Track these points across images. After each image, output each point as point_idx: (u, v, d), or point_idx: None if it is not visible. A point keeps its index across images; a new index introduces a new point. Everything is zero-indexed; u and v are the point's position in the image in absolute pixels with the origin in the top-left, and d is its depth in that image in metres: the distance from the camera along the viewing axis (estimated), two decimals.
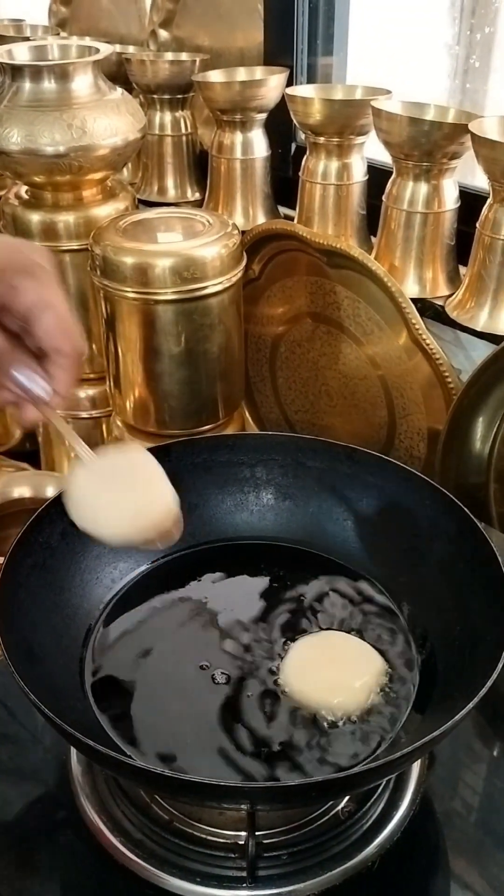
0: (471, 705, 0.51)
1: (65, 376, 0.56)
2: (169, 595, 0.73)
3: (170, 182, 1.17)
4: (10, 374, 0.55)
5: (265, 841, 0.61)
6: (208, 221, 0.91)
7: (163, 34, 1.24)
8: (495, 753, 0.71)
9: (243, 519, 0.77)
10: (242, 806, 0.55)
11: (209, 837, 0.61)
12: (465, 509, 0.65)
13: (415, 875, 0.62)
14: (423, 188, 0.88)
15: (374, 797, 0.63)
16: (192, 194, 1.18)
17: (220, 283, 0.87)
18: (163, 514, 0.60)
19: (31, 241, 0.92)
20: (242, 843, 0.60)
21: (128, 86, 1.10)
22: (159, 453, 0.66)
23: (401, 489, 0.72)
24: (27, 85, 0.90)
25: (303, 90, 0.98)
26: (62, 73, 0.90)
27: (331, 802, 0.62)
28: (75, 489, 0.60)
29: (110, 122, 0.92)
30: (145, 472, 0.62)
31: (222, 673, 0.66)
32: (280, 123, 1.09)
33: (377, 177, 0.97)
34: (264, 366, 1.12)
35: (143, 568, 0.74)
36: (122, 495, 0.61)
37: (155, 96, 1.14)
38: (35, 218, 0.97)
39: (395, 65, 1.12)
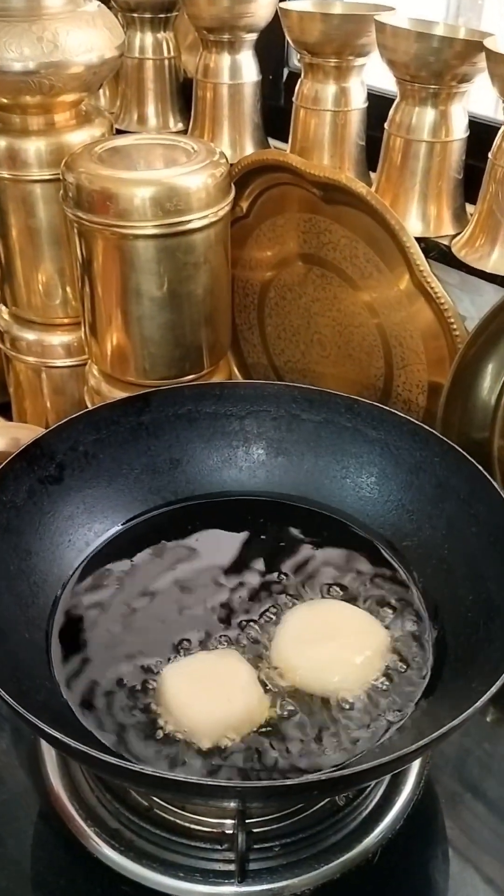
0: (490, 693, 0.45)
1: None
2: (148, 557, 0.66)
3: (150, 110, 1.08)
4: None
5: (255, 830, 0.55)
6: (193, 148, 0.83)
7: None
8: None
9: (231, 476, 0.71)
10: (232, 804, 0.49)
11: (193, 827, 0.56)
12: (480, 467, 0.59)
13: (419, 867, 0.57)
14: (430, 114, 0.80)
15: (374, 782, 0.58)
16: (174, 124, 1.09)
17: (205, 216, 0.79)
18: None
19: None
20: (230, 832, 0.54)
21: (105, 4, 1.01)
22: (137, 402, 0.60)
23: (406, 444, 0.66)
24: None
25: (298, 4, 0.89)
26: None
27: None
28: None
29: (85, 36, 0.83)
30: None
31: (206, 645, 0.59)
32: (272, 47, 1.00)
33: (378, 106, 0.89)
34: (252, 313, 1.05)
35: (119, 528, 0.68)
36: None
37: (135, 15, 1.04)
38: (2, 144, 0.88)
39: None
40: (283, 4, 0.88)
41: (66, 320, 0.98)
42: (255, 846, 0.55)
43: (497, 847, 0.59)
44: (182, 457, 0.70)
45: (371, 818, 0.57)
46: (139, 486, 0.69)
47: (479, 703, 0.45)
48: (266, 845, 0.55)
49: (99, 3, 0.88)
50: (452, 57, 0.76)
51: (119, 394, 0.85)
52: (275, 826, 0.56)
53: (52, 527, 0.64)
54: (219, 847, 0.55)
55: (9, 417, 1.12)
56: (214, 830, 0.56)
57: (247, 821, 0.54)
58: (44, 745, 0.60)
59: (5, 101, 0.86)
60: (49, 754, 0.60)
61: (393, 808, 0.57)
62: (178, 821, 0.56)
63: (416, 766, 0.59)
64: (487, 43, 0.73)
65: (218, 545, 0.67)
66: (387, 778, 0.59)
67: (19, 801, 0.60)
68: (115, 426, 0.69)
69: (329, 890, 0.54)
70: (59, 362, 1.01)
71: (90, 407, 0.80)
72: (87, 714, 0.55)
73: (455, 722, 0.45)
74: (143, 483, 0.70)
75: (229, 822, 0.55)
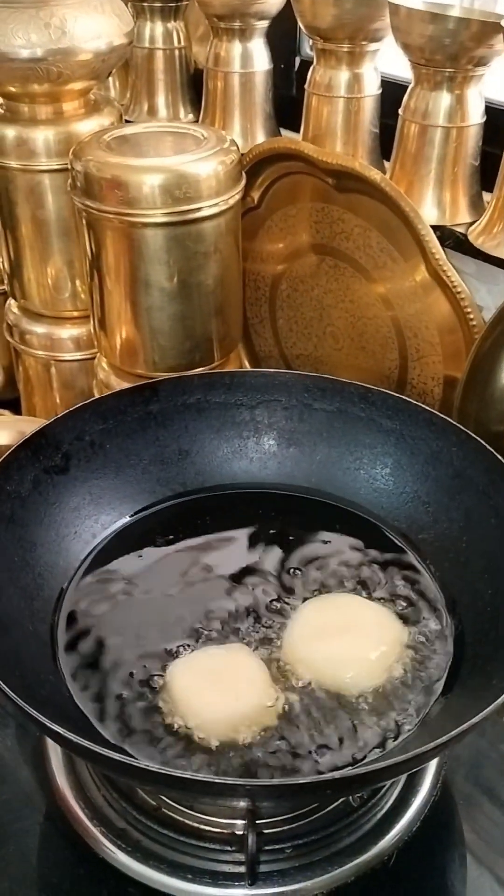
0: None
1: None
2: (156, 550, 0.65)
3: (161, 101, 1.07)
4: None
5: (266, 831, 0.53)
6: (203, 136, 0.81)
7: None
8: None
9: (242, 467, 0.69)
10: (242, 803, 0.47)
11: (203, 827, 0.54)
12: (500, 457, 0.57)
13: (436, 870, 0.55)
14: (446, 99, 0.78)
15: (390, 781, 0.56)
16: (185, 115, 1.07)
17: (215, 204, 0.78)
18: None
19: None
20: (241, 833, 0.52)
21: None
22: (145, 391, 0.58)
23: (422, 434, 0.64)
24: None
25: None
26: None
27: None
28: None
29: (93, 22, 0.82)
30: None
31: (213, 638, 0.58)
32: (283, 35, 0.99)
33: (391, 93, 0.88)
34: (263, 305, 1.03)
35: (126, 520, 0.66)
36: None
37: (145, 4, 1.03)
38: (10, 133, 0.87)
39: None
40: None
41: (75, 313, 0.97)
42: (266, 847, 0.53)
43: None
44: (191, 447, 0.69)
45: (387, 819, 0.55)
46: (147, 477, 0.68)
47: (498, 701, 0.43)
48: (277, 847, 0.53)
49: None
50: (468, 39, 0.74)
51: (128, 386, 0.83)
52: (287, 827, 0.54)
53: (57, 518, 0.62)
54: (228, 848, 0.53)
55: (19, 412, 1.11)
56: (224, 831, 0.54)
57: (257, 821, 0.52)
58: (49, 742, 0.59)
59: (13, 89, 0.84)
60: (54, 752, 0.59)
61: (409, 810, 0.55)
62: (186, 821, 0.54)
63: (432, 765, 0.57)
64: None
65: (228, 538, 0.66)
66: (403, 778, 0.57)
67: (24, 799, 0.59)
68: (122, 416, 0.68)
69: (343, 893, 0.52)
70: (68, 356, 0.99)
71: None
72: (93, 709, 0.53)
73: (474, 720, 0.43)
74: (151, 474, 0.68)
75: (239, 822, 0.53)
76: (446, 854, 0.56)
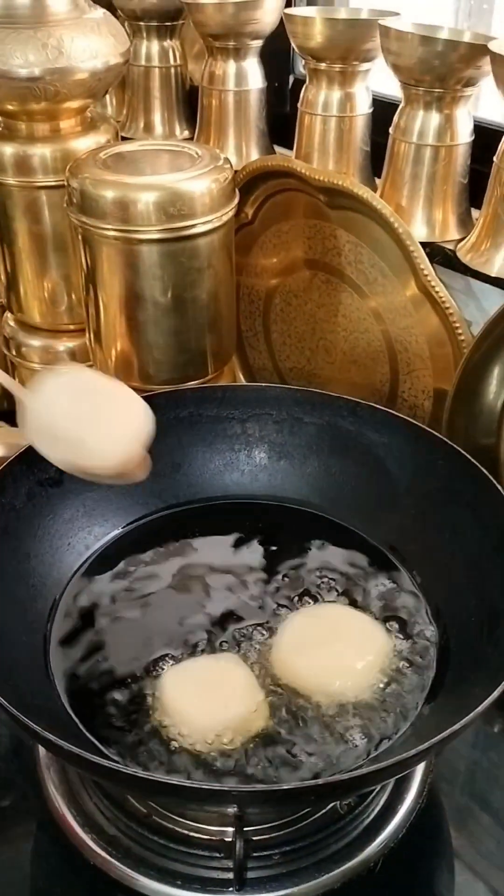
0: (491, 698, 0.44)
1: None
2: (148, 561, 0.65)
3: (156, 118, 1.08)
4: None
5: (254, 838, 0.54)
6: (197, 154, 0.83)
7: None
8: None
9: (233, 479, 0.71)
10: (230, 809, 0.48)
11: (192, 834, 0.55)
12: (485, 471, 0.59)
13: (422, 877, 0.55)
14: (435, 118, 0.80)
15: (377, 789, 0.57)
16: (180, 132, 1.09)
17: (209, 221, 0.79)
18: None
19: None
20: (229, 840, 0.53)
21: (112, 13, 1.01)
22: None
23: (410, 448, 0.65)
24: None
25: (302, 10, 0.89)
26: None
27: None
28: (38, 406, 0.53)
29: (90, 42, 0.83)
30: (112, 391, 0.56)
31: (205, 647, 0.59)
32: (277, 54, 1.00)
33: (382, 112, 0.89)
34: (257, 319, 1.04)
35: (118, 532, 0.67)
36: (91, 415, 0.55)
37: (141, 23, 1.04)
38: (8, 150, 0.88)
39: None
40: (288, 10, 0.89)
41: (71, 326, 0.98)
42: (254, 854, 0.53)
43: (503, 858, 0.58)
44: (183, 460, 0.70)
45: (373, 827, 0.56)
46: (140, 489, 0.69)
47: (480, 709, 0.44)
48: (265, 853, 0.54)
49: (104, 10, 0.89)
50: (457, 60, 0.75)
51: None
52: (274, 834, 0.55)
53: (51, 530, 0.63)
54: (217, 855, 0.54)
55: (15, 425, 1.12)
56: (213, 838, 0.55)
57: (246, 828, 0.53)
58: (42, 751, 0.60)
59: (11, 107, 0.86)
60: (48, 760, 0.60)
61: (395, 817, 0.56)
62: (176, 828, 0.55)
63: (418, 773, 0.58)
64: (492, 46, 0.72)
65: (218, 549, 0.67)
66: (389, 786, 0.57)
67: (18, 807, 0.60)
68: None
69: None
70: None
71: None
72: (85, 718, 0.54)
73: (455, 727, 0.44)
74: (145, 486, 0.69)
75: (228, 829, 0.54)
76: (432, 861, 0.57)
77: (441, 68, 0.76)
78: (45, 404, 0.55)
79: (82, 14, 0.85)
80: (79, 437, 0.54)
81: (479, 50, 0.74)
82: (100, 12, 0.87)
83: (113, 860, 0.54)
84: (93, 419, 0.55)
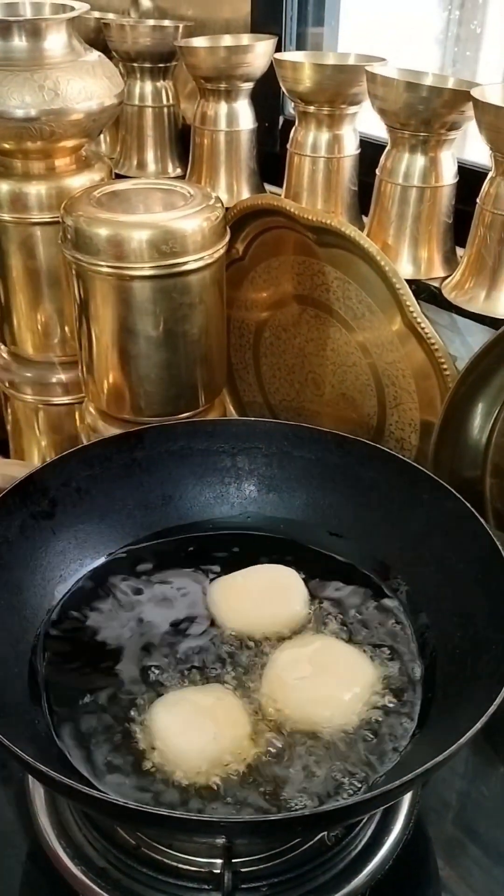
0: (473, 730, 0.45)
1: None
2: (135, 591, 0.66)
3: (150, 156, 1.10)
4: None
5: (243, 870, 0.55)
6: (189, 193, 0.85)
7: (144, 2, 1.17)
8: (499, 771, 0.65)
9: (223, 512, 0.72)
10: (218, 840, 0.49)
11: (180, 866, 0.55)
12: (468, 505, 0.60)
13: None
14: (420, 161, 0.82)
15: (364, 820, 0.57)
16: (173, 170, 1.11)
17: (201, 258, 0.81)
18: None
19: None
20: (217, 872, 0.54)
21: (107, 55, 1.03)
22: (131, 439, 0.60)
23: (395, 481, 0.66)
24: None
25: (292, 55, 0.91)
26: (33, 30, 0.83)
27: None
28: None
29: (85, 84, 0.85)
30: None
31: (194, 677, 0.59)
32: (267, 96, 1.02)
33: (369, 153, 0.91)
34: (247, 352, 1.06)
35: (107, 559, 0.68)
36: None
37: (135, 64, 1.07)
38: (4, 188, 0.90)
39: (388, 39, 1.07)
40: (277, 55, 0.91)
41: (63, 359, 0.99)
42: (243, 886, 0.54)
43: (490, 889, 0.58)
44: (174, 493, 0.71)
45: (360, 858, 0.56)
46: (131, 521, 0.70)
47: (464, 739, 0.45)
48: (253, 885, 0.54)
49: (99, 53, 0.91)
50: (441, 106, 0.78)
51: (115, 431, 0.86)
52: (262, 866, 0.55)
53: (43, 562, 0.64)
54: (206, 887, 0.54)
55: (6, 454, 1.13)
56: (202, 870, 0.55)
57: (234, 860, 0.53)
58: (32, 783, 0.60)
59: (7, 146, 0.88)
60: (37, 792, 0.60)
61: (382, 848, 0.57)
62: (165, 860, 0.55)
63: (405, 804, 0.59)
64: (474, 93, 0.75)
65: (207, 577, 0.68)
66: (376, 817, 0.58)
67: (7, 839, 0.60)
68: (108, 462, 0.70)
69: None
70: (56, 400, 1.02)
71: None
72: (74, 749, 0.55)
73: (440, 758, 0.44)
74: (136, 519, 0.70)
75: (217, 861, 0.54)
76: (420, 892, 0.58)
77: (426, 113, 0.79)
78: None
79: (78, 57, 0.87)
80: None
81: (462, 96, 0.77)
82: (95, 55, 0.90)
83: (103, 892, 0.54)
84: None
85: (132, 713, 0.58)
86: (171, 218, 0.80)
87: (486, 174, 0.78)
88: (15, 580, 0.61)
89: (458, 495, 0.61)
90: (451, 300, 0.82)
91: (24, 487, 0.64)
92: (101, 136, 1.18)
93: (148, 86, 1.08)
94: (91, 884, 0.54)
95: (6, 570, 0.61)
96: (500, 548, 0.57)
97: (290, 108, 1.04)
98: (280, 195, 0.97)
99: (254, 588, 0.65)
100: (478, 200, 0.79)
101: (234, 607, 0.64)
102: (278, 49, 0.99)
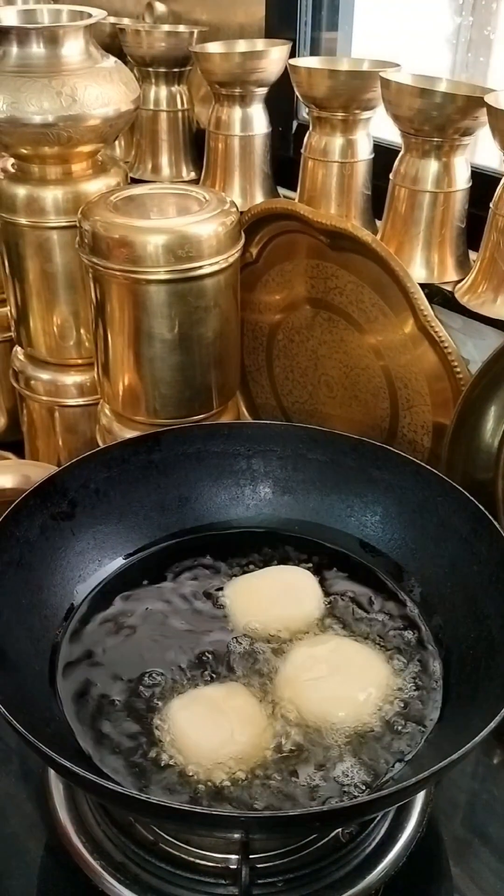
0: (487, 730, 0.46)
1: None
2: (154, 590, 0.67)
3: (164, 160, 1.11)
4: None
5: (259, 866, 0.56)
6: (205, 198, 0.86)
7: (159, 7, 1.18)
8: None
9: (238, 514, 0.73)
10: (236, 836, 0.50)
11: (198, 861, 0.56)
12: (481, 507, 0.61)
13: None
14: (434, 166, 0.83)
15: (378, 818, 0.58)
16: (187, 173, 1.12)
17: (216, 262, 0.82)
18: None
19: None
20: (234, 867, 0.55)
21: (122, 59, 1.04)
22: (149, 441, 0.61)
23: (409, 484, 0.67)
24: (14, 49, 0.84)
25: (306, 61, 0.92)
26: (51, 38, 0.84)
27: None
28: None
29: (102, 91, 0.86)
30: None
31: (210, 676, 0.60)
32: (281, 100, 1.03)
33: (383, 157, 0.92)
34: (261, 354, 1.07)
35: (126, 562, 0.69)
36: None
37: (150, 69, 1.08)
38: (21, 192, 0.91)
39: (401, 43, 1.08)
40: (292, 61, 0.92)
41: (79, 361, 1.00)
42: (259, 881, 0.55)
43: (500, 889, 0.59)
44: (191, 494, 0.72)
45: (374, 855, 0.57)
46: (148, 522, 0.71)
47: (477, 739, 0.46)
48: (270, 880, 0.55)
49: (116, 59, 0.92)
50: (454, 112, 0.78)
51: (130, 433, 0.87)
52: (279, 861, 0.56)
53: (63, 562, 0.65)
54: (223, 882, 0.55)
55: (21, 455, 1.14)
56: (219, 865, 0.56)
57: (251, 855, 0.54)
58: (51, 778, 0.61)
59: (25, 151, 0.89)
60: (56, 787, 0.61)
61: (396, 846, 0.58)
62: (183, 855, 0.57)
63: (418, 802, 0.60)
64: (488, 99, 0.75)
65: (223, 577, 0.69)
66: (390, 815, 0.59)
67: (27, 834, 0.61)
68: (126, 464, 0.71)
69: None
70: (71, 402, 1.03)
71: (101, 446, 0.82)
72: (94, 745, 0.56)
73: (454, 756, 0.45)
74: (153, 520, 0.71)
75: (233, 857, 0.55)
76: (431, 889, 0.58)
77: (439, 119, 0.79)
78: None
79: (95, 63, 0.88)
80: None
81: (475, 102, 0.77)
82: (111, 61, 0.91)
83: (121, 886, 0.55)
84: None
85: (150, 711, 0.59)
86: (187, 223, 0.81)
87: (499, 179, 0.78)
88: (36, 580, 0.62)
89: (471, 497, 0.62)
90: (464, 304, 0.83)
91: (45, 489, 0.65)
92: (117, 140, 1.19)
93: (163, 90, 1.09)
94: (110, 878, 0.55)
95: (27, 570, 0.62)
96: None
97: (304, 112, 1.05)
98: (294, 199, 0.97)
99: (269, 589, 0.66)
100: (491, 205, 0.79)
101: (250, 608, 0.65)
102: (292, 54, 0.99)
